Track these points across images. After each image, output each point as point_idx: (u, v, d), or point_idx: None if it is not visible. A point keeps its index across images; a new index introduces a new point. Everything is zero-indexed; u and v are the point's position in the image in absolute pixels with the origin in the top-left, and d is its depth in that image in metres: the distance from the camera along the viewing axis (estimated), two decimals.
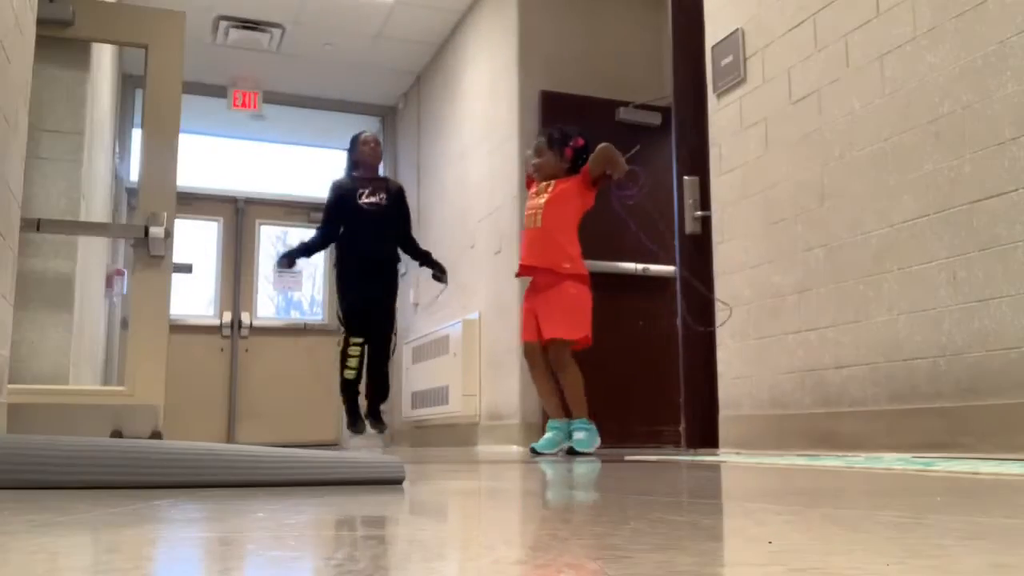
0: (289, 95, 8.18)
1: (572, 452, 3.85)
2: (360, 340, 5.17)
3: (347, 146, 5.57)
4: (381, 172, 5.56)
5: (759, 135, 3.75)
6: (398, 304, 5.59)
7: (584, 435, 3.88)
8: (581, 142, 4.16)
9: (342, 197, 5.24)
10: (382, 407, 5.44)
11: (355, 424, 5.34)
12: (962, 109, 2.78)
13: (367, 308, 5.19)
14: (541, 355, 4.01)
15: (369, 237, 5.19)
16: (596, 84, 5.75)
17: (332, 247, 5.49)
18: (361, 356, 5.19)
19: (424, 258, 5.42)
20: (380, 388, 5.35)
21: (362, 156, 5.34)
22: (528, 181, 4.35)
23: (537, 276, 4.04)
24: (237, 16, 6.84)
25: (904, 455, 2.83)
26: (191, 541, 0.88)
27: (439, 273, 5.39)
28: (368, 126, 8.85)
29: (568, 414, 4.00)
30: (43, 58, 3.35)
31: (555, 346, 3.94)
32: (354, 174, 5.34)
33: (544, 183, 4.15)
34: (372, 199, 5.20)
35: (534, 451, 3.97)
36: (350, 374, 5.19)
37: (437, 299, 6.20)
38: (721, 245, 4.00)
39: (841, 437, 3.19)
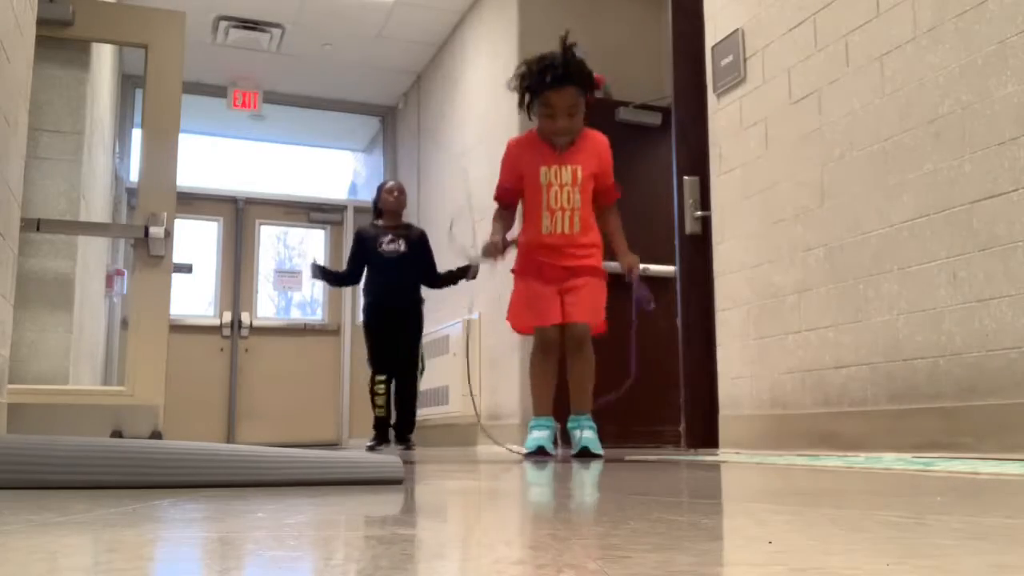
0: (289, 95, 8.18)
1: (586, 454, 3.28)
2: (383, 378, 5.43)
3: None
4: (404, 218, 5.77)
5: (759, 135, 3.75)
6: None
7: (593, 434, 3.36)
8: (602, 81, 3.40)
9: (364, 245, 5.51)
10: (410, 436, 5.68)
11: (373, 449, 5.49)
12: (962, 109, 2.78)
13: (391, 350, 5.45)
14: (559, 343, 3.40)
15: (391, 283, 5.45)
16: None
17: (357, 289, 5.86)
18: (387, 393, 5.46)
19: (449, 279, 5.51)
20: (407, 421, 5.55)
21: (386, 205, 5.54)
22: (524, 153, 3.40)
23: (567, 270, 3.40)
24: (237, 16, 6.84)
25: (904, 455, 2.83)
26: (191, 541, 0.88)
27: (465, 275, 5.39)
28: (368, 126, 8.87)
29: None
30: (43, 58, 3.35)
31: (583, 329, 3.37)
32: (378, 222, 5.58)
33: (559, 161, 3.34)
34: (392, 247, 5.44)
35: (543, 450, 3.35)
36: (380, 412, 5.47)
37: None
38: (721, 245, 4.00)
39: (841, 437, 3.19)
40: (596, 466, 2.73)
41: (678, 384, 4.49)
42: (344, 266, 5.86)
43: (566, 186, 3.31)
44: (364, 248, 5.51)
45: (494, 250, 3.46)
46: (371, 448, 5.36)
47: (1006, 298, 2.60)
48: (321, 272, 5.67)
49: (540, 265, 3.39)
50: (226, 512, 1.14)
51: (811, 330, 3.39)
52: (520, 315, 3.46)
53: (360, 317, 6.02)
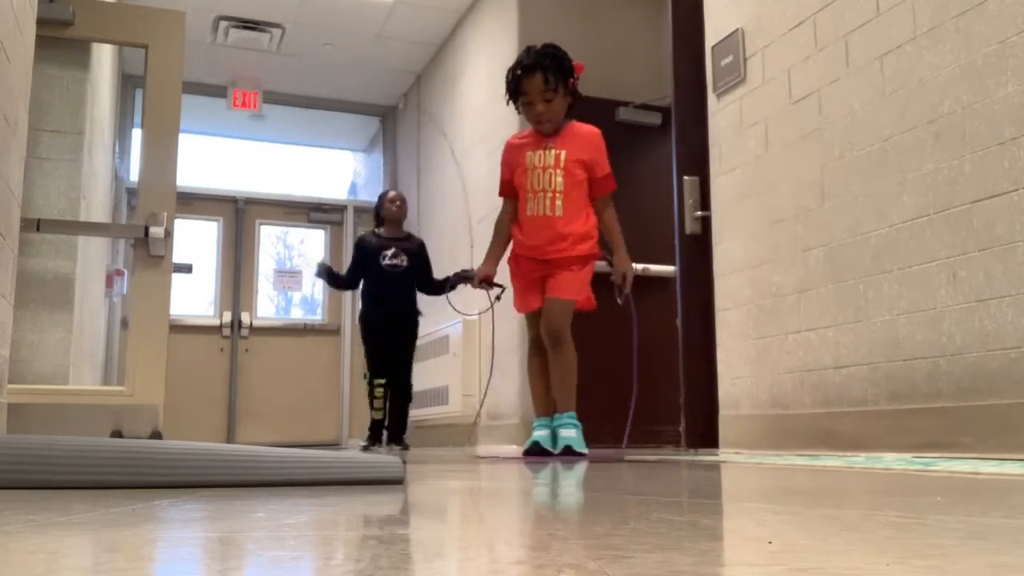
0: (289, 95, 8.18)
1: (568, 452, 3.33)
2: (383, 381, 5.57)
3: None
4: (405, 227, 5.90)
5: (759, 135, 3.75)
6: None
7: (576, 433, 3.39)
8: (581, 69, 3.56)
9: (366, 256, 5.63)
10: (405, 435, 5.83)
11: (368, 449, 5.61)
12: (962, 109, 2.78)
13: (388, 356, 5.60)
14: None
15: (390, 295, 5.59)
16: (596, 84, 5.74)
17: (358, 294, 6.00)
18: (385, 396, 5.60)
19: (444, 286, 5.52)
20: (400, 424, 5.70)
21: (388, 214, 5.67)
22: (516, 146, 3.57)
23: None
24: (237, 16, 6.84)
25: (904, 455, 2.83)
26: (191, 541, 0.88)
27: (463, 281, 5.34)
28: (368, 126, 8.87)
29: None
30: (43, 58, 3.35)
31: (557, 309, 3.39)
32: (379, 231, 5.69)
33: (543, 146, 3.47)
34: (394, 261, 5.57)
35: (541, 449, 3.40)
36: (377, 414, 5.60)
37: (497, 300, 5.46)
38: (721, 245, 4.00)
39: (841, 437, 3.19)
40: (594, 466, 2.73)
41: (678, 384, 4.49)
42: (344, 271, 5.98)
43: (548, 168, 3.43)
44: (365, 259, 5.63)
45: (479, 280, 3.73)
46: (365, 448, 5.46)
47: (1006, 298, 2.60)
48: (326, 273, 5.76)
49: (520, 262, 3.58)
50: (226, 512, 1.14)
51: (811, 330, 3.39)
52: (515, 298, 3.65)
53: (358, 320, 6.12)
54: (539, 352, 3.56)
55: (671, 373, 4.59)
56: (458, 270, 5.37)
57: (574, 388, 3.47)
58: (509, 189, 3.65)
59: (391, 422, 5.67)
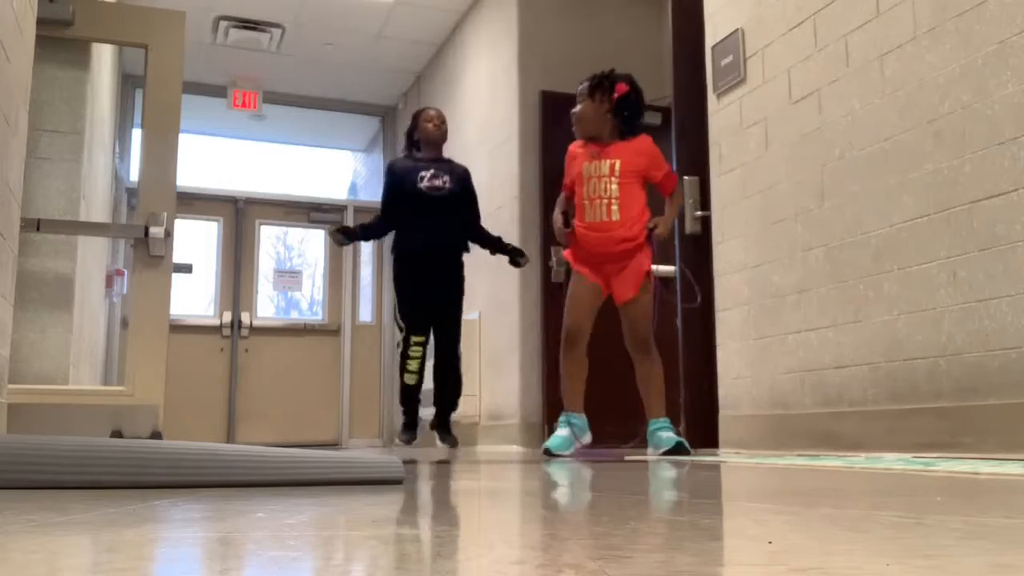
0: (289, 95, 8.18)
1: (675, 452, 3.51)
2: (421, 339, 4.51)
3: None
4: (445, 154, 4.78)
5: (759, 135, 3.75)
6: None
7: (672, 434, 3.58)
8: (624, 88, 3.77)
9: (400, 180, 4.56)
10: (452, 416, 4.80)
11: (408, 432, 4.63)
12: (962, 109, 2.78)
13: (430, 305, 4.55)
14: (593, 317, 3.65)
15: (431, 226, 4.50)
16: None
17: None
18: (422, 358, 4.52)
19: (496, 244, 4.75)
20: (450, 396, 4.66)
21: (425, 134, 4.64)
22: (574, 155, 3.80)
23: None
24: (237, 16, 6.84)
25: (904, 455, 2.83)
26: (191, 541, 0.88)
27: (517, 257, 4.71)
28: (368, 126, 8.87)
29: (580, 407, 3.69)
30: (43, 58, 3.35)
31: (641, 312, 3.61)
32: (415, 154, 4.68)
33: (599, 155, 3.67)
34: (435, 182, 4.51)
35: (549, 452, 3.60)
36: (411, 379, 4.50)
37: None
38: (721, 245, 4.00)
39: (841, 437, 3.19)
40: (594, 466, 2.73)
41: (678, 384, 4.48)
42: (364, 241, 4.99)
43: (604, 177, 3.64)
44: (399, 184, 4.55)
45: (560, 232, 3.82)
46: (406, 439, 4.59)
47: (1006, 298, 2.60)
48: (345, 233, 4.78)
49: (583, 251, 3.74)
50: (226, 512, 1.14)
51: (811, 330, 3.39)
52: (572, 256, 3.80)
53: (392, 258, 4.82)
54: (571, 345, 3.66)
55: (671, 373, 4.59)
56: (518, 258, 4.72)
57: (664, 394, 3.68)
58: (570, 191, 3.87)
59: (436, 402, 4.62)
